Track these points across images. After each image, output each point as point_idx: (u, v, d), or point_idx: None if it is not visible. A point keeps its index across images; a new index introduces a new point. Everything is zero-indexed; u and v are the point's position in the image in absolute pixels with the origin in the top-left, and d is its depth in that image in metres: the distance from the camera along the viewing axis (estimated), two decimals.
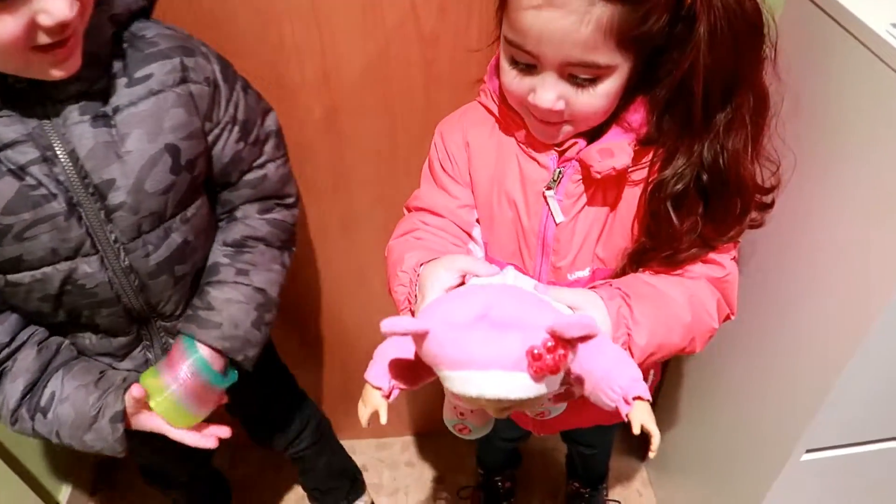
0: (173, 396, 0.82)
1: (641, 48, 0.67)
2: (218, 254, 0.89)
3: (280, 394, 1.21)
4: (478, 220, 0.85)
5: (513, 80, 0.71)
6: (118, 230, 0.75)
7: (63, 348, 0.84)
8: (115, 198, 0.74)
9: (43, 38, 0.62)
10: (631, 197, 0.76)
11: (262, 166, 0.90)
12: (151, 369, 0.84)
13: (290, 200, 0.95)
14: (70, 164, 0.71)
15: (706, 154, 0.70)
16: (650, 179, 0.73)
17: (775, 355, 0.96)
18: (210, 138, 0.82)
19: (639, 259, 0.77)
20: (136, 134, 0.73)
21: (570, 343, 0.52)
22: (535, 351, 0.52)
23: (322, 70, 0.98)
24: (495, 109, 0.80)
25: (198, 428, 0.87)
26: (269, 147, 0.90)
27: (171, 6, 0.90)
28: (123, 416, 0.80)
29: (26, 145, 0.69)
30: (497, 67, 0.80)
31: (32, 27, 0.61)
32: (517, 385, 0.53)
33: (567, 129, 0.73)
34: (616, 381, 0.59)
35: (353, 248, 1.23)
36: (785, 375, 0.94)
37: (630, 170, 0.74)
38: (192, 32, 0.87)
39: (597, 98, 0.69)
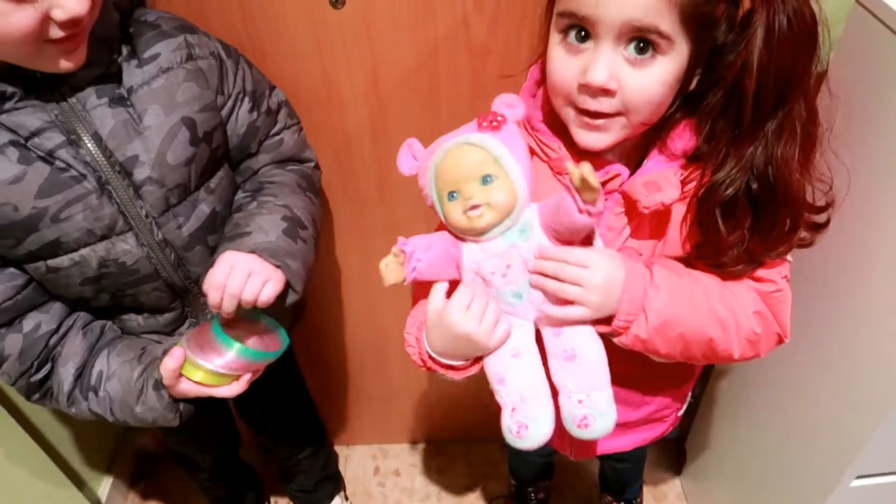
0: (216, 370, 0.82)
1: (701, 34, 0.65)
2: (238, 199, 0.91)
3: (293, 408, 1.27)
4: None
5: (561, 62, 0.68)
6: (148, 205, 0.78)
7: (107, 329, 0.87)
8: (141, 173, 0.77)
9: (55, 32, 0.66)
10: (679, 217, 0.74)
11: (278, 133, 0.93)
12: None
13: (311, 164, 0.98)
14: (94, 144, 0.74)
15: (756, 159, 0.67)
16: (700, 186, 0.71)
17: (828, 376, 0.95)
18: (224, 112, 0.85)
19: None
20: (152, 109, 0.77)
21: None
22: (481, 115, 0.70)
23: (372, 79, 0.99)
24: (531, 140, 0.78)
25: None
26: (282, 115, 0.94)
27: (220, 4, 0.91)
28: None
29: (51, 131, 0.72)
30: (532, 96, 0.79)
31: (46, 20, 0.65)
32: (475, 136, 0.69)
33: (617, 126, 0.69)
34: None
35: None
36: (838, 398, 0.92)
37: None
38: (245, 37, 0.90)
39: (652, 82, 0.65)
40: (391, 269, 0.75)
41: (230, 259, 0.81)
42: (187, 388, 0.83)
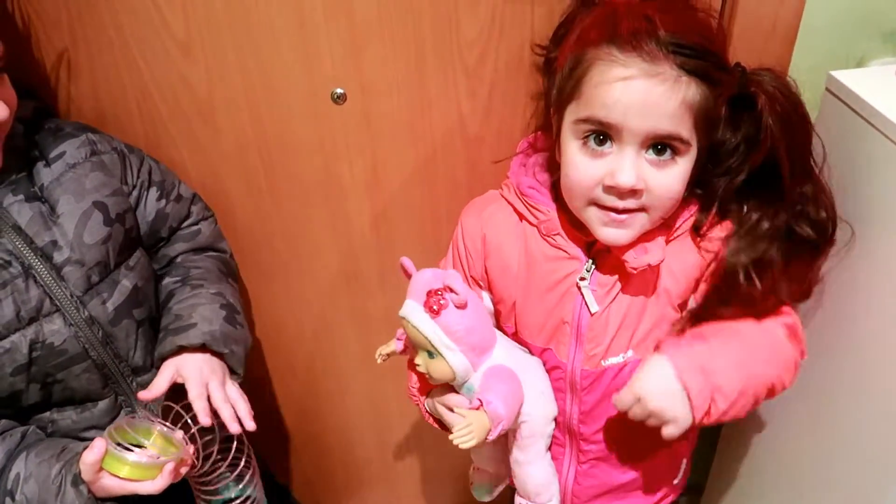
0: (139, 462, 0.79)
1: (708, 134, 0.72)
2: (168, 285, 0.95)
3: None
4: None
5: (583, 168, 0.73)
6: (71, 284, 0.82)
7: (29, 433, 0.85)
8: (60, 255, 0.81)
9: None
10: (675, 268, 0.79)
11: (195, 223, 0.99)
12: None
13: (227, 255, 1.04)
14: (15, 234, 0.79)
15: (789, 219, 0.74)
16: (722, 247, 0.76)
17: (842, 435, 0.94)
18: (132, 199, 0.90)
19: (704, 316, 0.78)
20: (63, 199, 0.82)
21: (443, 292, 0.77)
22: (429, 292, 0.78)
23: (372, 169, 1.04)
24: (519, 205, 0.84)
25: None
26: (196, 208, 1.00)
27: (227, 101, 0.97)
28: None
29: None
30: (522, 165, 0.85)
31: None
32: (417, 316, 0.78)
33: (640, 221, 0.74)
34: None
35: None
36: (852, 457, 0.91)
37: (701, 237, 0.79)
38: (252, 134, 0.94)
39: (674, 179, 0.72)
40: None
41: (188, 371, 0.85)
42: (109, 483, 0.79)
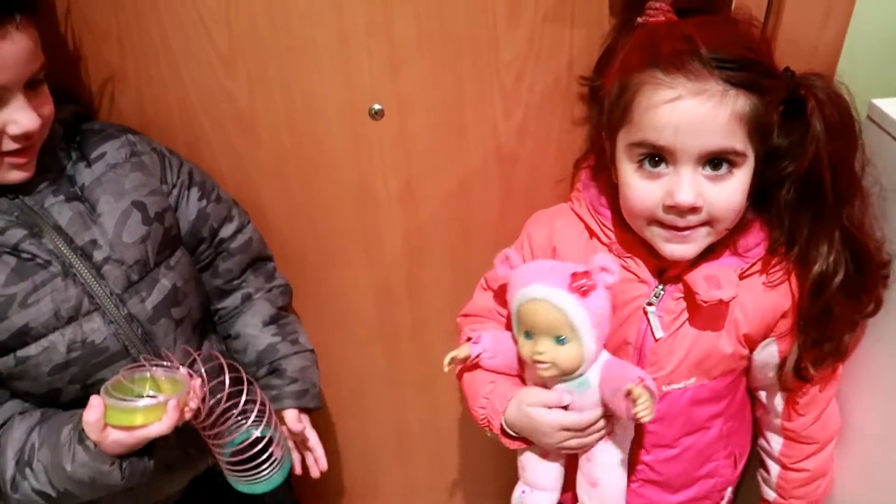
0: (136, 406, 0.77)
1: (763, 141, 0.72)
2: (265, 335, 1.00)
3: None
4: None
5: (642, 190, 0.74)
6: (111, 282, 0.83)
7: (48, 410, 0.85)
8: (100, 254, 0.82)
9: (8, 144, 0.75)
10: (741, 311, 0.79)
11: (242, 230, 1.01)
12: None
13: (273, 264, 1.08)
14: (55, 234, 0.80)
15: (846, 238, 0.75)
16: (803, 279, 0.77)
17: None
18: (171, 198, 0.92)
19: (798, 371, 0.80)
20: (103, 199, 0.84)
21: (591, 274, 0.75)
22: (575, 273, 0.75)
23: (406, 184, 1.05)
24: (592, 223, 0.84)
25: None
26: (237, 210, 1.02)
27: (267, 114, 0.98)
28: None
29: (13, 229, 0.79)
30: (592, 177, 0.86)
31: (2, 134, 0.73)
32: (561, 296, 0.75)
33: (703, 235, 0.75)
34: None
35: (421, 353, 1.25)
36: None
37: (769, 274, 0.79)
38: (290, 146, 0.96)
39: (733, 192, 0.72)
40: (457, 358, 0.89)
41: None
42: (117, 437, 0.78)
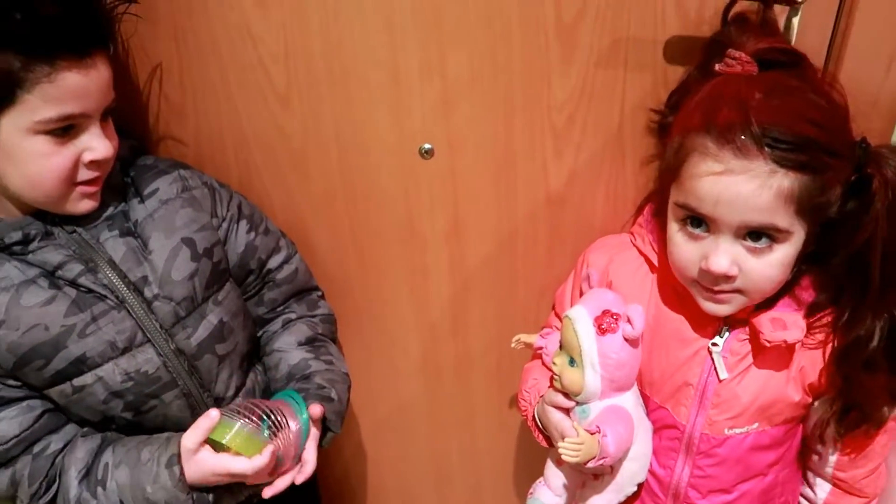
0: (250, 432, 0.83)
1: (817, 218, 0.70)
2: (299, 353, 1.00)
3: None
4: None
5: (683, 248, 0.74)
6: (160, 317, 0.85)
7: (109, 434, 0.87)
8: (150, 291, 0.84)
9: (83, 174, 0.79)
10: (806, 359, 0.78)
11: (289, 261, 1.02)
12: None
13: (321, 292, 1.08)
14: (110, 269, 0.83)
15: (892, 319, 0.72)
16: (837, 343, 0.75)
17: None
18: (221, 232, 0.94)
19: (823, 431, 0.79)
20: (155, 236, 0.86)
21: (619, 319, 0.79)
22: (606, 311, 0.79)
23: (453, 221, 1.05)
24: (655, 259, 0.84)
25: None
26: (284, 241, 1.03)
27: (319, 151, 1.00)
28: (178, 460, 0.82)
29: (72, 263, 0.81)
30: (655, 215, 0.86)
31: (77, 163, 0.77)
32: (583, 323, 0.79)
33: (739, 299, 0.75)
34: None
35: (463, 390, 1.24)
36: None
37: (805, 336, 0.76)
38: (339, 183, 0.97)
39: (771, 266, 0.71)
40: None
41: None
42: (204, 458, 0.82)
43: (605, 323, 0.78)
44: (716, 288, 0.73)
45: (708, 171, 0.68)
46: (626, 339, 0.78)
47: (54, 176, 0.77)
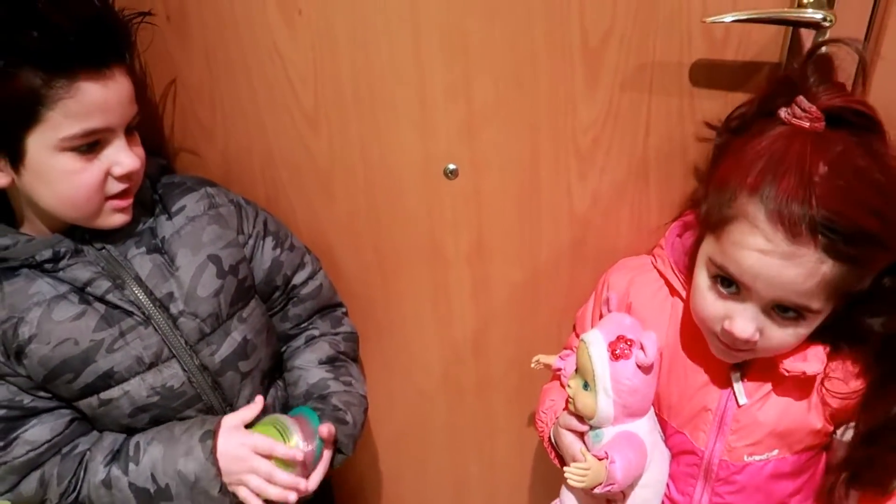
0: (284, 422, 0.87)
1: (844, 297, 0.69)
2: (319, 371, 1.00)
3: None
4: None
5: (709, 302, 0.73)
6: (185, 333, 0.86)
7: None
8: (176, 307, 0.85)
9: (113, 187, 0.80)
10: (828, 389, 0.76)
11: (314, 277, 1.03)
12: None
13: (344, 308, 1.09)
14: (137, 286, 0.84)
15: None
16: (864, 423, 0.73)
17: None
18: (247, 249, 0.94)
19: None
20: (182, 252, 0.87)
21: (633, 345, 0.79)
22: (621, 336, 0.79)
23: (476, 242, 1.05)
24: (675, 281, 0.83)
25: None
26: (309, 257, 1.04)
27: (345, 170, 1.01)
28: (213, 435, 0.84)
29: (100, 279, 0.83)
30: (678, 236, 0.85)
31: (106, 177, 0.79)
32: (598, 347, 0.80)
33: (748, 354, 0.74)
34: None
35: (484, 410, 1.24)
36: None
37: (827, 385, 0.75)
38: (363, 202, 0.98)
39: (792, 337, 0.70)
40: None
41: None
42: (241, 432, 0.86)
43: (618, 349, 0.79)
44: (734, 347, 0.73)
45: (755, 246, 0.65)
46: (639, 366, 0.78)
47: (85, 192, 0.78)
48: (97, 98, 0.75)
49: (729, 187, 0.69)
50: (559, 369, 0.95)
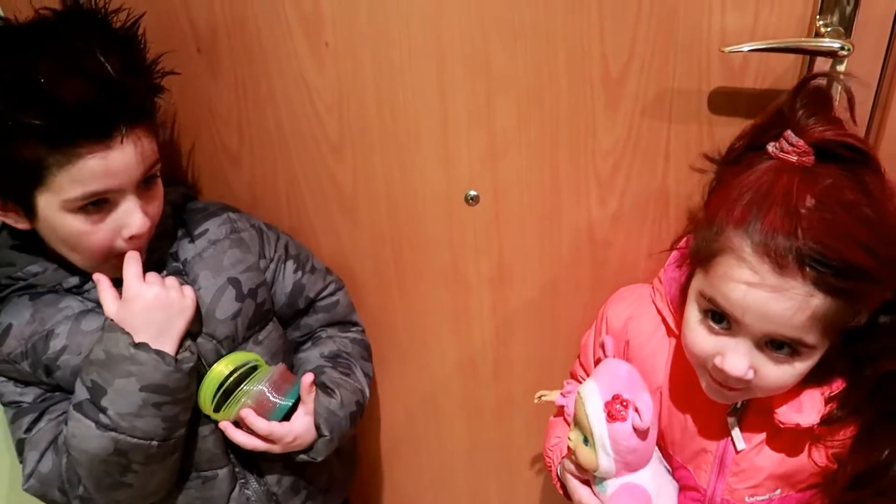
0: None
1: (841, 336, 0.67)
2: (318, 361, 1.00)
3: None
4: None
5: (700, 338, 0.70)
6: (202, 354, 0.86)
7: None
8: (195, 327, 0.85)
9: (122, 245, 0.81)
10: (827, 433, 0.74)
11: (332, 294, 1.04)
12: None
13: (360, 328, 1.09)
14: None
15: None
16: (851, 465, 0.71)
17: None
18: (268, 274, 0.95)
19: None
20: (203, 275, 0.89)
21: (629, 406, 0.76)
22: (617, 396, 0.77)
23: (497, 266, 1.06)
24: (671, 320, 0.82)
25: None
26: (331, 277, 1.05)
27: (369, 197, 1.02)
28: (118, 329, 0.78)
29: None
30: (678, 266, 0.83)
31: (115, 235, 0.80)
32: (594, 405, 0.78)
33: (747, 394, 0.72)
34: None
35: (504, 432, 1.24)
36: None
37: (818, 435, 0.72)
38: (387, 226, 1.01)
39: (787, 375, 0.67)
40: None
41: (296, 430, 0.89)
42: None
43: (614, 410, 0.76)
44: (727, 385, 0.70)
45: (742, 278, 0.63)
46: (634, 428, 0.76)
47: (92, 252, 0.80)
48: (97, 167, 0.75)
49: (716, 221, 0.68)
50: (562, 406, 0.94)
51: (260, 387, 0.87)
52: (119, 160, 0.76)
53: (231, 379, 0.86)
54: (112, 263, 0.82)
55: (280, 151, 1.01)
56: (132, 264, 0.81)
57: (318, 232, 1.08)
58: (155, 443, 0.81)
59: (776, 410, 0.71)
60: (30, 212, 0.78)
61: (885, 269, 0.63)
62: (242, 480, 0.94)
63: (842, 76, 0.76)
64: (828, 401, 0.72)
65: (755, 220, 0.64)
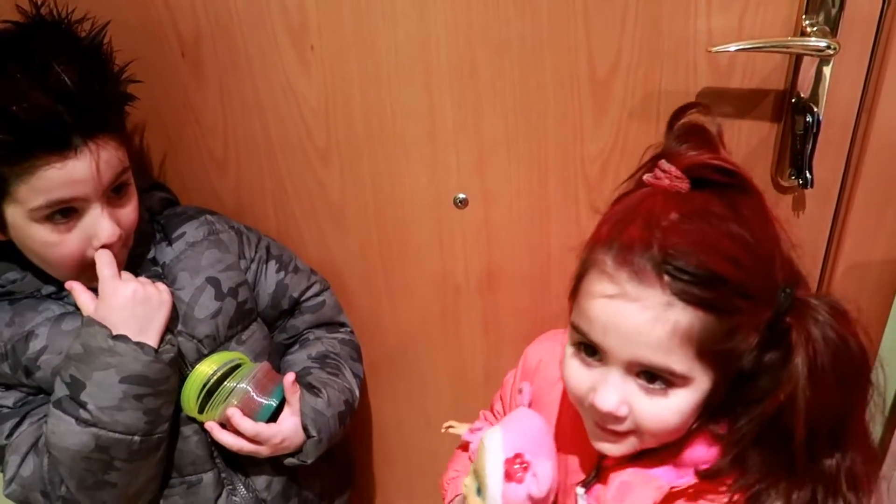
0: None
1: (725, 366, 0.62)
2: (305, 362, 0.99)
3: None
4: None
5: (574, 371, 0.67)
6: (184, 354, 0.86)
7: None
8: (172, 325, 0.84)
9: (93, 255, 0.79)
10: None
11: (318, 294, 1.03)
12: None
13: (348, 329, 1.07)
14: None
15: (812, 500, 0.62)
16: None
17: None
18: (249, 275, 0.94)
19: None
20: (181, 276, 0.88)
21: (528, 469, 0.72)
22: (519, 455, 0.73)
23: (486, 271, 1.06)
24: None
25: None
26: (316, 278, 1.04)
27: (356, 203, 1.02)
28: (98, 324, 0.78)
29: None
30: None
31: (86, 245, 0.79)
32: (494, 460, 0.73)
33: (632, 441, 0.66)
34: None
35: None
36: None
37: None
38: (375, 234, 0.98)
39: (667, 411, 0.62)
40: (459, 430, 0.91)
41: (284, 431, 0.88)
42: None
43: (512, 470, 0.72)
44: (607, 426, 0.65)
45: (601, 292, 0.61)
46: (529, 497, 0.71)
47: (65, 262, 0.80)
48: (56, 176, 0.74)
49: (586, 247, 0.67)
50: (468, 443, 0.88)
51: (243, 385, 0.86)
52: (80, 170, 0.75)
53: (214, 378, 0.85)
54: (87, 275, 0.81)
55: (266, 158, 1.01)
56: (106, 263, 0.80)
57: (305, 238, 1.07)
58: (137, 438, 0.80)
59: (606, 496, 0.67)
60: (1, 223, 0.78)
61: (753, 281, 0.60)
62: (230, 486, 0.93)
63: (711, 114, 0.73)
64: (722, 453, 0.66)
65: (618, 234, 0.63)
